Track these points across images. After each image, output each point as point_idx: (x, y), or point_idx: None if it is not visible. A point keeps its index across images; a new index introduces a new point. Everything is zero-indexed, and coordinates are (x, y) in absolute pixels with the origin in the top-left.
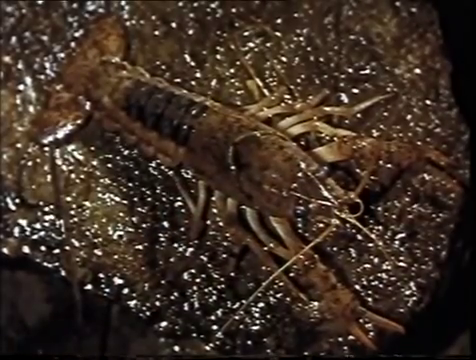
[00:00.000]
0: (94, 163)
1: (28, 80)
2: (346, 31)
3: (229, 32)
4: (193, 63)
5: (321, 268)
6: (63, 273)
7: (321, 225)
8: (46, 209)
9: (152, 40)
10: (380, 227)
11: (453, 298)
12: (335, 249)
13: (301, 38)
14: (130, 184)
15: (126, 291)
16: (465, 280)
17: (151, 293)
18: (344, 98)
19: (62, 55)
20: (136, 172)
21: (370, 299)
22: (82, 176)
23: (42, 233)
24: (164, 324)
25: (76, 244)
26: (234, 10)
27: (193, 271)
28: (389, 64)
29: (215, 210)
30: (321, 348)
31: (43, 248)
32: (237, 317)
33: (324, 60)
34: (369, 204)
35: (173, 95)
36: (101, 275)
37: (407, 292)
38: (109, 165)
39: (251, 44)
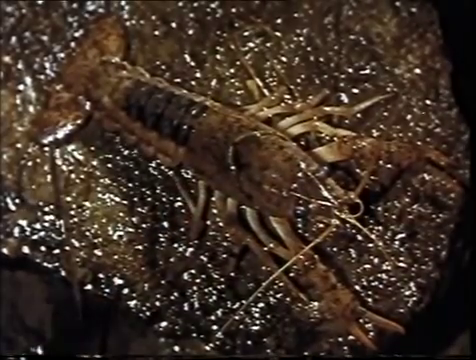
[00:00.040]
0: (94, 163)
1: (28, 80)
2: (346, 31)
3: (229, 32)
4: (193, 63)
5: (321, 268)
6: (63, 273)
7: (321, 225)
8: (46, 209)
9: (152, 40)
10: (380, 227)
11: (453, 298)
12: (335, 249)
13: (301, 38)
14: (130, 184)
15: (126, 291)
16: (465, 280)
17: (151, 293)
18: (344, 98)
19: (62, 55)
20: (136, 172)
21: (370, 299)
22: (82, 176)
23: (42, 233)
24: (164, 324)
25: (76, 244)
26: (234, 10)
27: (193, 271)
28: (389, 64)
29: (215, 210)
30: (321, 348)
31: (43, 248)
32: (237, 317)
33: (324, 60)
34: (369, 204)
35: (173, 95)
36: (101, 275)
37: (407, 292)
38: (109, 165)
39: (251, 44)
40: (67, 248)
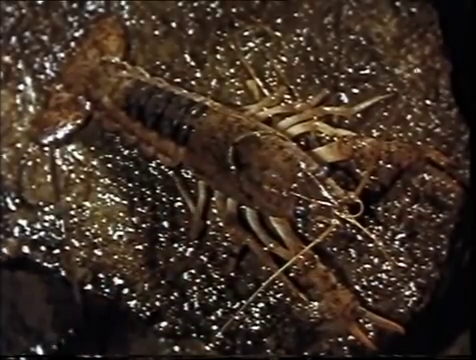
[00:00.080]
0: (94, 163)
1: (28, 80)
2: (346, 31)
3: (229, 32)
4: (193, 63)
5: (321, 268)
6: (63, 273)
7: (321, 225)
8: (46, 209)
9: (152, 40)
10: (380, 227)
11: (453, 298)
12: (335, 249)
13: (301, 38)
14: (130, 184)
15: (126, 291)
16: (465, 280)
17: (151, 293)
18: (344, 98)
19: (62, 55)
20: (136, 172)
21: (370, 299)
22: (82, 176)
23: (42, 233)
24: (164, 324)
25: (76, 244)
26: (234, 10)
27: (193, 271)
28: (389, 64)
29: (215, 210)
30: (321, 348)
31: (43, 248)
32: (237, 317)
33: (324, 60)
34: (369, 204)
35: (173, 95)
36: (101, 275)
37: (407, 292)
38: (109, 165)
39: (251, 44)
40: (67, 248)
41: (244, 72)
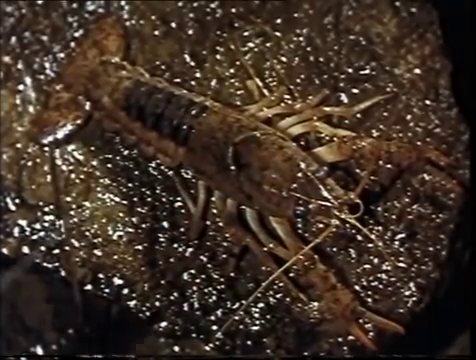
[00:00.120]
0: (94, 163)
1: (28, 80)
2: (346, 31)
3: (229, 32)
4: (193, 63)
5: (321, 268)
6: (63, 273)
7: (321, 225)
8: (46, 209)
9: (152, 40)
10: (380, 227)
11: (453, 298)
12: (335, 249)
13: (301, 38)
14: (130, 184)
15: (126, 291)
16: (465, 280)
17: (151, 293)
18: (344, 98)
19: (62, 55)
20: (136, 172)
21: (370, 299)
22: (82, 176)
23: (42, 233)
24: (164, 324)
25: (76, 244)
26: (234, 10)
27: (193, 271)
28: (389, 64)
29: (215, 210)
30: (321, 348)
31: (43, 248)
32: (237, 317)
33: (324, 60)
34: (369, 204)
35: (173, 95)
36: (101, 275)
37: (407, 292)
38: (109, 165)
39: (251, 44)
40: (67, 248)
41: (244, 72)
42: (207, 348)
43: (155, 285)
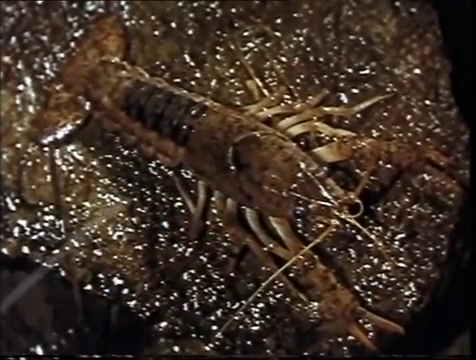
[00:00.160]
0: (94, 163)
1: (28, 80)
2: (346, 31)
3: (229, 32)
4: (193, 63)
5: (321, 268)
6: (63, 273)
7: (321, 225)
8: (46, 209)
9: (152, 40)
10: (380, 227)
11: (453, 298)
12: (335, 249)
13: (301, 38)
14: (130, 184)
15: (126, 291)
16: (465, 280)
17: (151, 293)
18: (344, 98)
19: (62, 55)
20: (136, 172)
21: (370, 299)
22: (82, 176)
23: (42, 233)
24: (164, 324)
25: (76, 244)
26: (234, 10)
27: (193, 271)
28: (389, 64)
29: (215, 210)
30: (321, 348)
31: (43, 248)
32: (237, 317)
33: (324, 60)
34: (369, 204)
35: (173, 95)
36: (101, 275)
37: (407, 292)
38: (109, 165)
39: (251, 44)
40: (67, 248)
41: (244, 72)
42: (207, 348)
43: (155, 285)
